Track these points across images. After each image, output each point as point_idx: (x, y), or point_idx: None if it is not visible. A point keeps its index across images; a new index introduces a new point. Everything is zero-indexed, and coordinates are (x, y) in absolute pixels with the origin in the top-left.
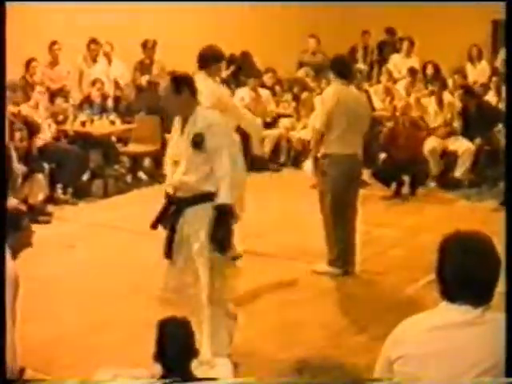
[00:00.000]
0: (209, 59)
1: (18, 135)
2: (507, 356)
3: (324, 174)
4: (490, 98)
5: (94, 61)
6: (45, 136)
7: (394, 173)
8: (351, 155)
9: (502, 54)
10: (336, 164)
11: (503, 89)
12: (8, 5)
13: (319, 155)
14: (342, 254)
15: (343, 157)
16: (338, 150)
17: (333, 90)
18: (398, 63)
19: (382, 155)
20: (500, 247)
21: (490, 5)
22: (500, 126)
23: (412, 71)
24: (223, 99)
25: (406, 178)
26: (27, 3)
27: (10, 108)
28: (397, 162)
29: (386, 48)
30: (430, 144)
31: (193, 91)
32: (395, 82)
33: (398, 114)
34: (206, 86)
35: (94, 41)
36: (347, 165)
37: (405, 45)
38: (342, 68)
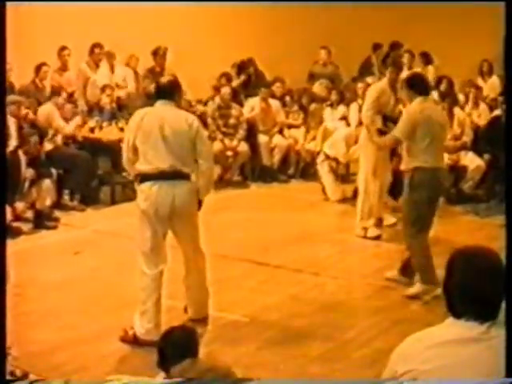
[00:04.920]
0: None
1: (27, 140)
2: (507, 356)
3: (412, 188)
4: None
5: (97, 66)
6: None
7: (402, 186)
8: (438, 168)
9: None
10: (426, 177)
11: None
12: (16, 6)
13: (408, 167)
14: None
15: (432, 170)
16: (426, 163)
17: (416, 105)
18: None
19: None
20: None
21: (502, 19)
22: None
23: None
24: None
25: None
26: (27, 4)
27: (20, 112)
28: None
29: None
30: None
31: None
32: None
33: None
34: None
35: (97, 45)
36: (435, 178)
37: (405, 58)
38: (421, 85)
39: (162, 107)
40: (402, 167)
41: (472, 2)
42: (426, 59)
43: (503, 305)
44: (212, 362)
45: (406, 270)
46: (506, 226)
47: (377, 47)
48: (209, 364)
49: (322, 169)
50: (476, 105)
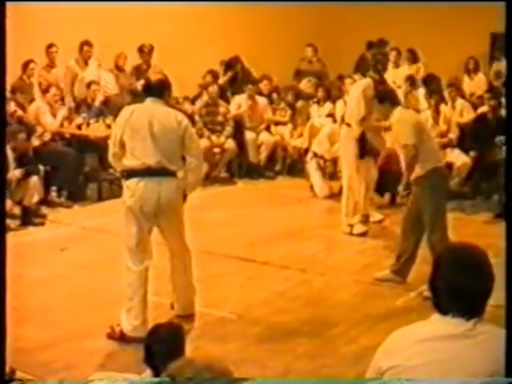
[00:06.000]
0: None
1: (15, 137)
2: (507, 356)
3: (433, 189)
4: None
5: (86, 64)
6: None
7: (388, 183)
8: (443, 167)
9: (494, 67)
10: (443, 175)
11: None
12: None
13: (424, 171)
14: (407, 264)
15: (444, 167)
16: (440, 162)
17: (402, 112)
18: (389, 75)
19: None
20: (494, 260)
21: (489, 17)
22: (499, 139)
23: (410, 80)
24: None
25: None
26: (25, 3)
27: (9, 109)
28: (391, 173)
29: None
30: None
31: None
32: None
33: None
34: None
35: (86, 43)
36: (447, 174)
37: (392, 55)
38: (392, 96)
39: (151, 104)
40: (416, 172)
41: (472, 2)
42: (413, 56)
43: (503, 303)
44: (209, 361)
45: (401, 270)
46: (506, 226)
47: (370, 45)
48: (206, 362)
49: (310, 166)
50: (453, 101)
